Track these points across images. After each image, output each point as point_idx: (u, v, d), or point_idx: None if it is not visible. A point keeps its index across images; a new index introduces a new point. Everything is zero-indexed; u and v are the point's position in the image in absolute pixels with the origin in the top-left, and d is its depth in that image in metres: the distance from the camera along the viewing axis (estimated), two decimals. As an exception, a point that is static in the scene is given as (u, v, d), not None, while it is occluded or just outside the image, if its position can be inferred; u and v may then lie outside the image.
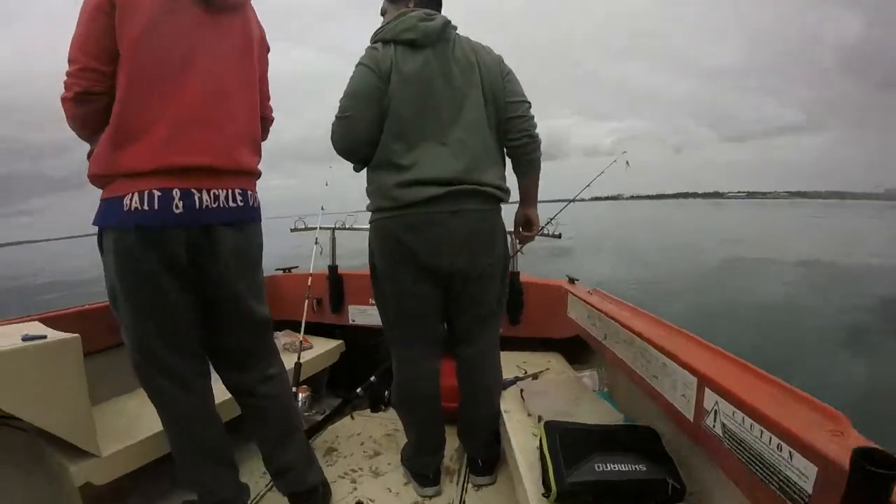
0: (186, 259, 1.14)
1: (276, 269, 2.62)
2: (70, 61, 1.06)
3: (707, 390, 0.96)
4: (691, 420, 1.01)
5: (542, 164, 1.46)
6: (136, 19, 1.04)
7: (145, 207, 1.07)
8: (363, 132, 1.31)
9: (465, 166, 1.30)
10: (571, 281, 2.15)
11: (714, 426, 0.93)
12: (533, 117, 1.40)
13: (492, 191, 1.34)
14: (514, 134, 1.38)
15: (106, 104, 1.08)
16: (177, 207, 1.09)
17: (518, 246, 1.97)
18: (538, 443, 1.18)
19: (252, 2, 1.29)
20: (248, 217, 1.25)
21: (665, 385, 1.12)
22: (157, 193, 1.08)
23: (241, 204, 1.22)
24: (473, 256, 1.35)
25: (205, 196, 1.14)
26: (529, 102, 1.40)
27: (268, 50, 1.35)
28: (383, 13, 1.46)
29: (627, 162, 2.47)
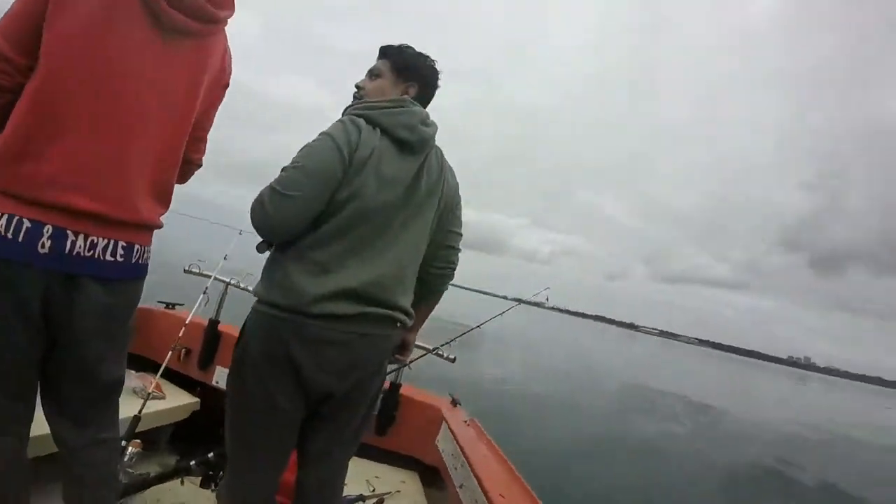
0: (39, 308, 0.98)
1: (159, 302, 2.43)
2: None
3: None
4: None
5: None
6: (70, 15, 0.92)
7: (9, 236, 0.92)
8: (306, 218, 1.10)
9: (390, 287, 1.16)
10: (454, 403, 2.04)
11: None
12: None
13: (403, 318, 1.20)
14: (442, 263, 1.33)
15: (7, 104, 0.94)
16: (42, 247, 0.94)
17: (398, 364, 1.76)
18: None
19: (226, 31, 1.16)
20: (126, 274, 1.09)
21: None
22: (25, 224, 0.93)
23: (120, 260, 1.05)
24: (361, 382, 1.19)
25: (80, 241, 0.98)
26: None
27: (224, 86, 1.22)
28: (375, 76, 1.26)
29: (548, 298, 2.46)
